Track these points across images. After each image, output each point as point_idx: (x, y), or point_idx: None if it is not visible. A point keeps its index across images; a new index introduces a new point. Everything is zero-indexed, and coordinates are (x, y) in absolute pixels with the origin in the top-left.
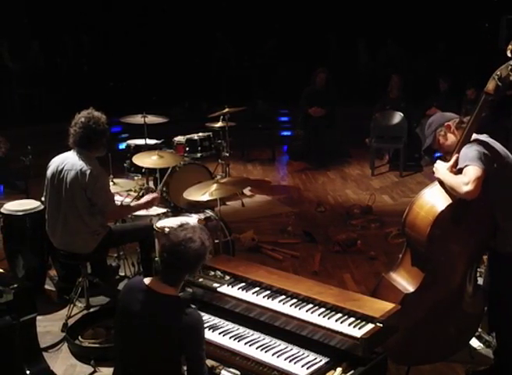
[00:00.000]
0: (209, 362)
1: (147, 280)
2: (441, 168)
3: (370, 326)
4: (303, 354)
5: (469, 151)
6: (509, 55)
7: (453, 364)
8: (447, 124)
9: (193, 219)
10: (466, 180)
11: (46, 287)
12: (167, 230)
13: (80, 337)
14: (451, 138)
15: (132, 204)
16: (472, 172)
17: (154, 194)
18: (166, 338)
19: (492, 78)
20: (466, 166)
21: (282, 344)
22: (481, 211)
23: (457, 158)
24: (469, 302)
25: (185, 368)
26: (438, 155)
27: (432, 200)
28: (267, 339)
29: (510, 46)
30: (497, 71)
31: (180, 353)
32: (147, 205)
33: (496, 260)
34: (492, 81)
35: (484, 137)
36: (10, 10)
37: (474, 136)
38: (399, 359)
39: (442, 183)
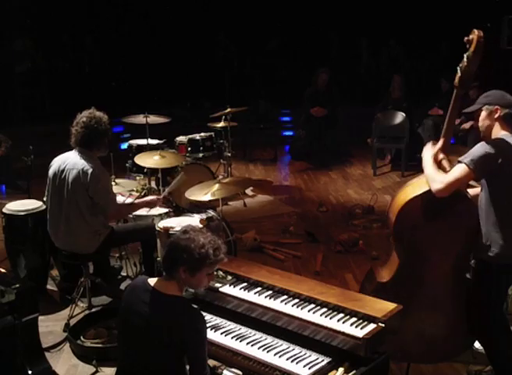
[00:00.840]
0: (211, 362)
1: (151, 280)
2: (427, 152)
3: (372, 326)
4: (305, 354)
5: (479, 149)
6: (467, 46)
7: (455, 364)
8: (497, 107)
9: (195, 219)
10: (442, 179)
11: (48, 287)
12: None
13: (81, 337)
14: (487, 121)
15: (136, 201)
16: (457, 173)
17: (157, 197)
18: (169, 339)
19: (457, 70)
20: (461, 162)
21: (284, 344)
22: (463, 204)
23: (444, 141)
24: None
25: (188, 368)
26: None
27: (411, 189)
28: (269, 339)
29: (466, 37)
30: (460, 64)
31: (183, 353)
32: (149, 204)
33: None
34: (457, 73)
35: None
36: (13, 10)
37: (503, 133)
38: (394, 357)
39: None
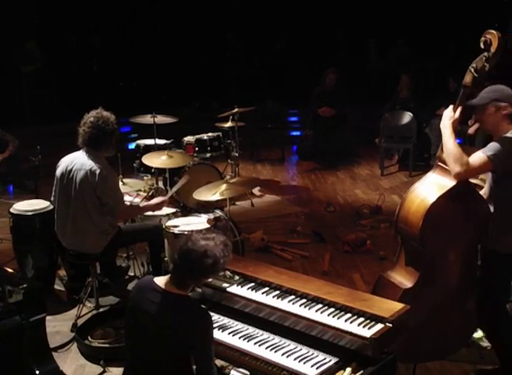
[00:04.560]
0: (218, 362)
1: (157, 280)
2: (446, 120)
3: (379, 326)
4: (312, 354)
5: (502, 145)
6: (482, 46)
7: (462, 364)
8: (507, 105)
9: (202, 219)
10: (465, 162)
11: (55, 287)
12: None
13: (89, 337)
14: (493, 118)
15: (141, 204)
16: (479, 163)
17: (164, 198)
18: (176, 338)
19: (469, 71)
20: (483, 154)
21: (292, 344)
22: (476, 201)
23: (462, 110)
24: (471, 297)
25: (194, 367)
26: None
27: (423, 193)
28: (276, 339)
29: (482, 38)
30: (473, 63)
31: (190, 353)
32: (157, 207)
33: (488, 258)
34: (469, 74)
35: None
36: (21, 10)
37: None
38: (403, 357)
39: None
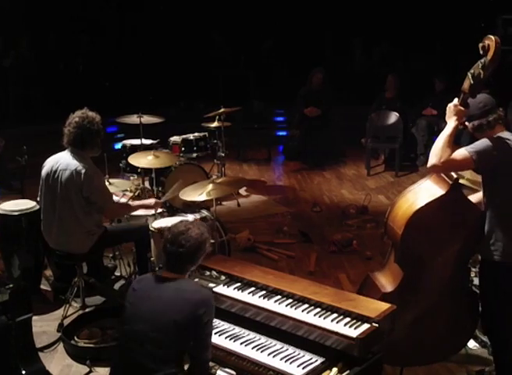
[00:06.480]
0: None
1: (157, 272)
2: (450, 112)
3: (366, 326)
4: (298, 354)
5: (484, 143)
6: (481, 52)
7: (449, 364)
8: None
9: (188, 220)
10: (443, 157)
11: (42, 287)
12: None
13: (75, 337)
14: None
15: (132, 203)
16: (458, 156)
17: (157, 200)
18: (182, 317)
19: (467, 76)
20: (465, 150)
21: (278, 344)
22: (467, 212)
23: (463, 113)
24: (463, 305)
25: (186, 368)
26: None
27: (413, 198)
28: (263, 339)
29: (480, 43)
30: (471, 69)
31: (189, 337)
32: (147, 207)
33: (481, 266)
34: (466, 80)
35: (507, 135)
36: (7, 8)
37: (507, 133)
38: (390, 361)
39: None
